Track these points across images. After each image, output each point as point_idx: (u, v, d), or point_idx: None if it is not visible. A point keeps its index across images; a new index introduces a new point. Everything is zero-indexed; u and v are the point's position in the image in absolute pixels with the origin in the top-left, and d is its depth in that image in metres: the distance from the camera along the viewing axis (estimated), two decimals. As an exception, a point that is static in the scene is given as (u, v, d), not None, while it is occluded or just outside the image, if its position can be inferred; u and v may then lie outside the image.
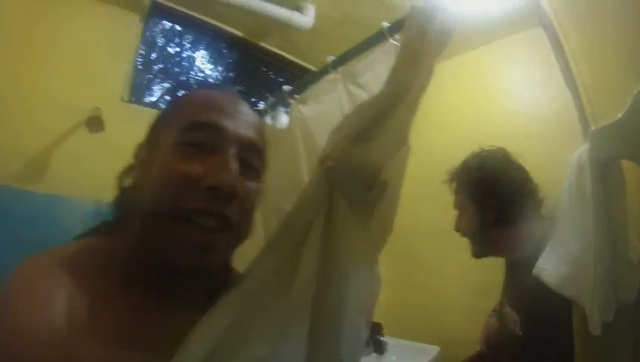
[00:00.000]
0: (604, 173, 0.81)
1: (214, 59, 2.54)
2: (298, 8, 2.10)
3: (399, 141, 0.79)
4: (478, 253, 1.42)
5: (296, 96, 1.46)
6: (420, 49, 0.84)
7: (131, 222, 0.64)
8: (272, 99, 1.51)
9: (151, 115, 1.91)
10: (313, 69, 2.67)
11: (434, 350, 2.05)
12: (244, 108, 0.69)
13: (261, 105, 1.96)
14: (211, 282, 0.66)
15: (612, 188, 0.81)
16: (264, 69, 2.72)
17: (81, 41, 1.72)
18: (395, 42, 1.14)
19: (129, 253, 0.62)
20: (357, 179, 0.76)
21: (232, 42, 2.44)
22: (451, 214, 1.53)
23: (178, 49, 2.36)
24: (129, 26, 1.92)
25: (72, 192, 1.59)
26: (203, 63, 2.48)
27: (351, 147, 0.75)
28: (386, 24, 1.13)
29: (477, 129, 1.97)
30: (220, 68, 2.55)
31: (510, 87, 2.05)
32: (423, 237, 1.45)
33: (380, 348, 1.96)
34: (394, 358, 1.99)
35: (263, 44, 2.49)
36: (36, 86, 1.59)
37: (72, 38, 1.70)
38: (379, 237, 0.78)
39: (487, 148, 1.43)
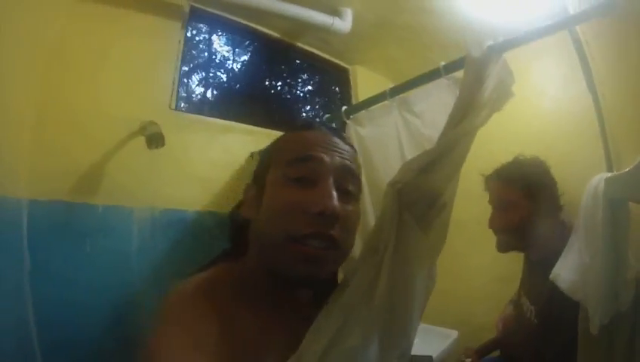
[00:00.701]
0: (614, 209, 0.98)
1: (233, 43, 2.53)
2: (336, 12, 2.18)
3: (455, 172, 0.98)
4: (510, 245, 1.56)
5: (351, 116, 1.57)
6: (474, 101, 1.01)
7: (250, 250, 0.77)
8: (328, 116, 1.63)
9: (196, 121, 1.98)
10: (346, 66, 2.81)
11: (453, 334, 2.19)
12: (338, 141, 0.80)
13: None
14: (324, 293, 0.79)
15: (619, 221, 0.99)
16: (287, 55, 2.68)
17: (126, 53, 1.74)
18: (447, 80, 1.27)
19: (252, 276, 0.75)
20: (422, 200, 0.93)
21: (267, 41, 2.48)
22: (479, 207, 1.65)
23: (194, 31, 2.34)
24: (171, 34, 1.95)
25: (127, 202, 1.64)
26: (220, 46, 2.49)
27: (418, 177, 0.93)
28: (442, 63, 1.26)
29: (506, 125, 1.96)
30: (237, 50, 2.56)
31: (538, 85, 2.10)
32: (452, 228, 1.56)
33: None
34: (416, 340, 2.11)
35: (298, 44, 2.56)
36: (85, 100, 1.60)
37: (117, 51, 1.72)
38: (437, 245, 0.97)
39: (526, 156, 1.59)
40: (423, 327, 2.08)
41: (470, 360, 1.64)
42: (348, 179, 0.77)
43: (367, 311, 0.81)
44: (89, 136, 1.58)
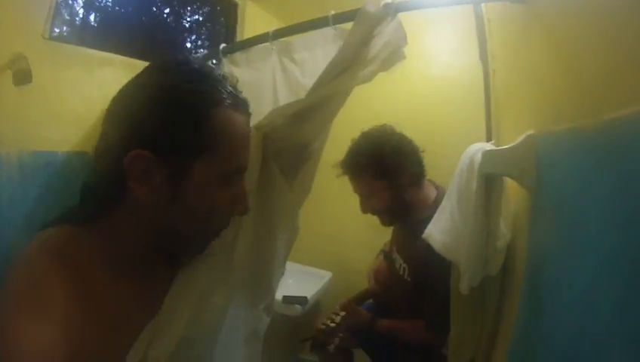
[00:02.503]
0: (488, 181, 1.01)
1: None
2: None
3: (327, 123, 0.99)
4: (393, 222, 1.61)
5: (228, 55, 1.48)
6: (358, 56, 0.99)
7: (130, 221, 0.69)
8: (204, 53, 1.53)
9: (72, 52, 1.70)
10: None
11: (327, 275, 2.32)
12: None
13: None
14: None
15: (493, 193, 1.02)
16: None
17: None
18: (334, 30, 1.21)
19: (127, 243, 0.69)
20: (290, 149, 0.94)
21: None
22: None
23: None
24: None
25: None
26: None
27: (287, 124, 0.92)
28: (332, 12, 1.19)
29: (393, 84, 2.10)
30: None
31: (431, 50, 2.17)
32: (329, 174, 1.55)
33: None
34: (290, 281, 2.18)
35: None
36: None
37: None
38: (301, 195, 1.00)
39: (369, 130, 1.59)
40: (297, 268, 2.27)
41: (344, 313, 1.69)
42: None
43: (230, 269, 0.84)
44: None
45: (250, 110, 0.76)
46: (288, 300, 1.95)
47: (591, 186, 0.54)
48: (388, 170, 1.50)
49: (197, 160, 0.66)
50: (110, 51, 1.85)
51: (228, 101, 0.68)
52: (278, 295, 1.90)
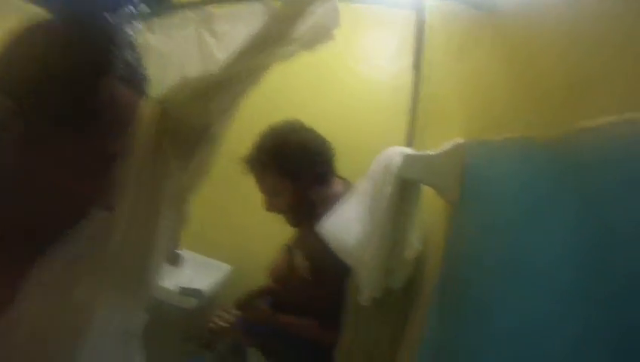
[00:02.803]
0: (404, 188, 0.95)
1: None
2: None
3: (234, 104, 0.87)
4: (299, 222, 1.54)
5: (147, 19, 1.32)
6: (283, 34, 0.89)
7: None
8: (120, 14, 1.35)
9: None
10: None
11: (227, 268, 2.25)
12: None
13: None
14: None
15: (408, 200, 0.97)
16: None
17: None
18: (264, 7, 1.11)
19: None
20: (190, 127, 0.82)
21: None
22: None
23: None
24: None
25: None
26: None
27: (192, 100, 0.80)
28: None
29: (319, 77, 2.07)
30: None
31: (365, 51, 2.14)
32: (232, 162, 1.47)
33: (175, 261, 2.03)
34: (188, 271, 2.11)
35: None
36: None
37: None
38: (194, 180, 0.88)
39: (275, 125, 1.51)
40: (197, 258, 2.20)
41: (237, 312, 1.58)
42: None
43: (100, 261, 0.72)
44: None
45: (152, 84, 0.69)
46: (183, 291, 1.89)
47: (545, 204, 0.49)
48: (292, 169, 1.43)
49: (63, 132, 0.56)
50: (32, 2, 1.61)
51: (122, 73, 0.60)
52: (173, 285, 1.87)
